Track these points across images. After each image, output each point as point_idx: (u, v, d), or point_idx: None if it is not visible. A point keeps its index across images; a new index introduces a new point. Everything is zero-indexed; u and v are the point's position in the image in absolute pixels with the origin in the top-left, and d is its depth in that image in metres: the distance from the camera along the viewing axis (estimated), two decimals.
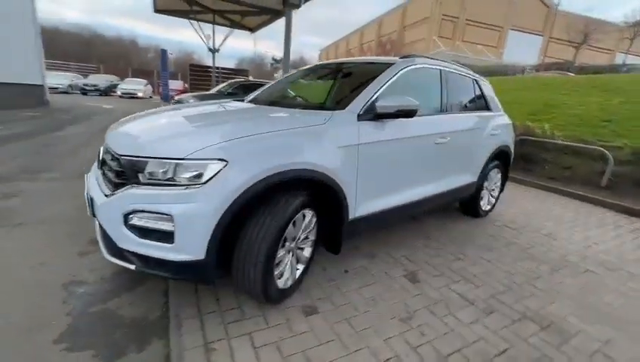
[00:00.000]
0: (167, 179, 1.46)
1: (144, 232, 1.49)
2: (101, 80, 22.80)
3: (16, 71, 12.25)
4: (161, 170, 1.46)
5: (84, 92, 20.75)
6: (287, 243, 1.80)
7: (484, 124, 3.16)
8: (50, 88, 19.40)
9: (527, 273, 2.46)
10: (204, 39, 17.60)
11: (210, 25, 17.69)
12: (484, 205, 3.60)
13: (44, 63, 13.96)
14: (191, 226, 1.44)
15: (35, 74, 13.33)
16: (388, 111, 2.05)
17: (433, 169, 2.65)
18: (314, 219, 1.98)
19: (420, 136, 2.40)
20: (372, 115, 2.05)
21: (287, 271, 1.86)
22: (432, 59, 2.78)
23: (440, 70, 2.75)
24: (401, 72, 2.35)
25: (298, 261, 1.98)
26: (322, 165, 1.77)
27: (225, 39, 17.89)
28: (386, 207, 2.30)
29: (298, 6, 8.49)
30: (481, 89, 3.29)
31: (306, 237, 2.00)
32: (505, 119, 3.59)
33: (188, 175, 1.45)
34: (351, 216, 2.07)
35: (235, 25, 18.63)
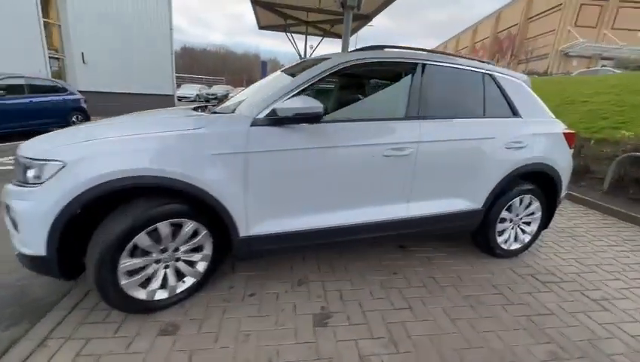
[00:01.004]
0: (25, 177, 1.57)
1: (13, 225, 1.64)
2: (219, 90, 27.40)
3: (156, 85, 15.85)
4: (21, 169, 1.58)
5: (207, 99, 25.28)
6: (153, 253, 1.70)
7: (496, 132, 2.33)
8: (182, 97, 24.24)
9: None
10: (297, 49, 18.86)
11: (309, 36, 18.82)
12: (507, 242, 2.66)
13: (174, 78, 17.57)
14: (28, 223, 1.51)
15: (168, 86, 16.89)
16: (287, 115, 1.72)
17: (383, 187, 2.09)
18: (203, 232, 1.82)
19: (353, 145, 1.93)
20: (274, 119, 1.76)
21: (156, 282, 1.76)
22: (413, 50, 2.22)
23: (416, 64, 2.16)
24: (332, 69, 1.95)
25: (181, 273, 1.86)
26: (186, 173, 1.61)
27: (315, 48, 18.79)
28: (303, 227, 1.94)
29: (354, 8, 8.21)
30: (500, 87, 2.43)
31: (196, 250, 1.86)
32: (547, 127, 2.57)
33: (32, 174, 1.53)
34: (242, 234, 1.83)
35: (327, 34, 19.40)
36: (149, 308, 1.77)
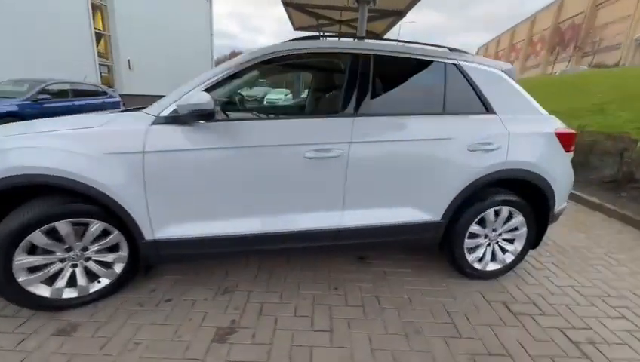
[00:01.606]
0: None
1: None
2: (259, 91, 28.29)
3: None
4: None
5: (245, 100, 26.39)
6: (56, 252, 1.70)
7: (455, 132, 1.97)
8: None
9: None
10: None
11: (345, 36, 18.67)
12: (482, 261, 2.26)
13: None
14: None
15: None
16: (184, 113, 1.60)
17: (309, 193, 1.86)
18: (114, 233, 1.78)
19: (266, 146, 1.75)
20: (174, 117, 1.66)
21: (62, 280, 1.75)
22: (356, 40, 1.97)
23: (354, 55, 1.90)
24: (247, 63, 1.78)
25: (93, 273, 1.83)
26: (81, 173, 1.57)
27: None
28: (215, 233, 1.80)
29: (369, 2, 7.83)
30: (468, 79, 2.05)
31: (111, 250, 1.83)
32: (531, 126, 2.12)
33: None
34: (148, 237, 1.75)
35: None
36: (55, 306, 1.77)
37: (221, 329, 1.72)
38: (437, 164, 1.96)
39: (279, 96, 14.34)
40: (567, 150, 2.20)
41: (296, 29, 20.80)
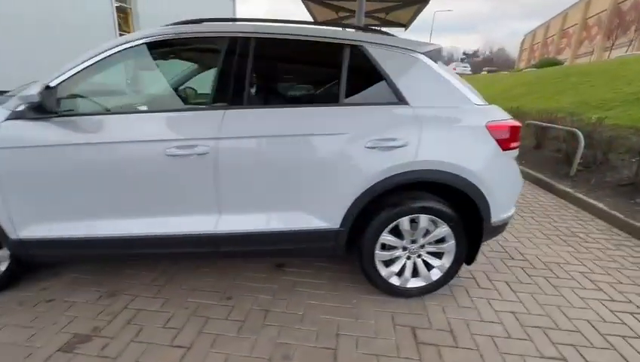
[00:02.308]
0: None
1: None
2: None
3: None
4: None
5: None
6: None
7: (351, 126, 1.68)
8: None
9: None
10: None
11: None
12: (401, 277, 1.94)
13: None
14: None
15: None
16: (21, 107, 1.51)
17: (176, 195, 1.68)
18: None
19: (121, 142, 1.60)
20: (23, 111, 1.57)
21: None
22: (240, 22, 1.75)
23: (232, 39, 1.68)
24: (113, 51, 1.63)
25: None
26: None
27: None
28: (80, 235, 1.70)
29: None
30: (374, 63, 1.73)
31: None
32: (454, 118, 1.74)
33: None
34: (11, 236, 1.70)
35: (384, 23, 18.27)
36: None
37: (76, 337, 1.63)
38: (328, 163, 1.68)
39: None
40: (504, 147, 1.79)
41: (318, 23, 20.57)
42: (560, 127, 4.92)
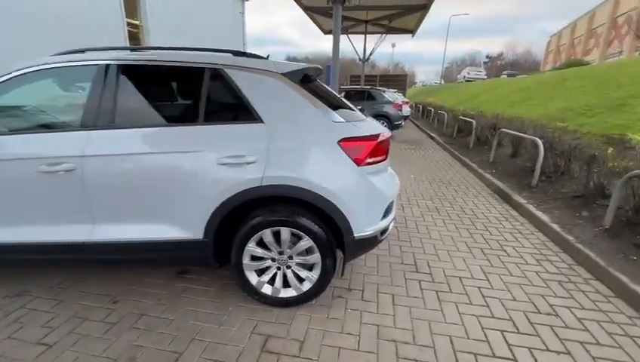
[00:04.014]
0: None
1: None
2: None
3: None
4: None
5: None
6: None
7: (206, 144, 1.80)
8: None
9: None
10: (356, 50, 18.26)
11: (377, 35, 18.07)
12: (272, 287, 2.02)
13: None
14: None
15: None
16: None
17: (53, 207, 1.87)
18: None
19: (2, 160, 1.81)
20: None
21: None
22: (113, 50, 1.93)
23: (100, 66, 1.86)
24: (13, 76, 1.87)
25: None
26: None
27: (375, 48, 17.82)
28: None
29: (344, 2, 7.48)
30: (233, 86, 1.84)
31: None
32: (305, 135, 1.82)
33: None
34: None
35: (391, 30, 18.20)
36: None
37: None
38: (184, 178, 1.81)
39: None
40: (359, 163, 1.84)
41: (325, 32, 20.77)
42: (523, 135, 4.77)
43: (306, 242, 1.91)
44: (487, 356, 1.72)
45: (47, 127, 1.98)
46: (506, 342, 1.82)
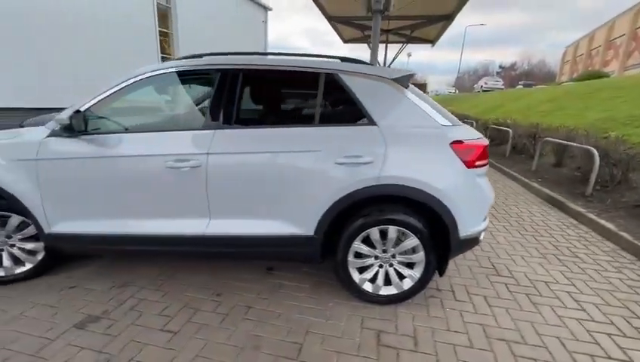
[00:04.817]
0: None
1: None
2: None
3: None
4: None
5: None
6: None
7: (324, 144, 1.89)
8: None
9: None
10: (377, 59, 18.39)
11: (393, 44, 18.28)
12: (374, 284, 2.08)
13: None
14: None
15: None
16: (56, 127, 1.90)
17: (175, 201, 1.98)
18: (29, 226, 2.16)
19: (130, 156, 1.93)
20: (59, 130, 1.97)
21: (6, 261, 2.18)
22: (231, 56, 2.06)
23: (224, 70, 1.99)
24: (130, 81, 2.00)
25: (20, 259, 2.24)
26: None
27: (395, 57, 17.92)
28: (98, 232, 2.05)
29: (383, 12, 7.62)
30: (347, 89, 1.94)
31: (32, 240, 2.22)
32: (418, 137, 1.90)
33: None
34: (46, 230, 2.08)
35: (410, 39, 18.38)
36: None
37: (89, 317, 1.94)
38: (302, 177, 1.91)
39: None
40: (469, 165, 1.91)
41: (345, 41, 21.03)
42: (575, 144, 4.76)
43: (412, 241, 1.97)
44: (603, 357, 1.74)
45: (176, 126, 2.11)
46: (616, 344, 1.83)
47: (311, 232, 1.98)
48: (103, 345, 1.72)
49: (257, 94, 2.01)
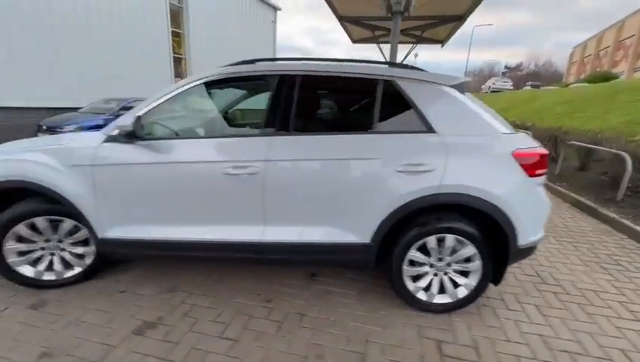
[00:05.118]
0: None
1: None
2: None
3: (262, 102, 18.53)
4: None
5: None
6: (37, 241, 2.14)
7: (383, 152, 1.87)
8: None
9: None
10: (386, 60, 18.39)
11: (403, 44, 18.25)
12: (427, 292, 2.06)
13: None
14: None
15: None
16: (115, 133, 1.90)
17: (230, 207, 1.97)
18: (82, 230, 2.17)
19: (187, 162, 1.92)
20: (116, 136, 1.97)
21: (42, 265, 2.19)
22: (286, 61, 2.05)
23: (280, 76, 1.98)
24: (182, 88, 2.00)
25: (69, 262, 2.24)
26: (44, 179, 1.97)
27: (406, 57, 17.88)
28: (152, 237, 2.05)
29: (402, 13, 7.54)
30: (405, 96, 1.93)
31: (83, 244, 2.22)
32: (481, 146, 1.88)
33: None
34: (100, 235, 2.08)
35: (420, 40, 18.33)
36: (38, 284, 2.21)
37: (145, 323, 1.94)
38: (361, 184, 1.89)
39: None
40: (531, 174, 1.88)
41: (354, 41, 20.98)
42: (605, 149, 4.71)
43: (469, 249, 1.95)
44: None
45: (231, 132, 2.10)
46: None
47: (367, 240, 1.96)
48: (166, 353, 1.72)
49: (314, 101, 2.00)
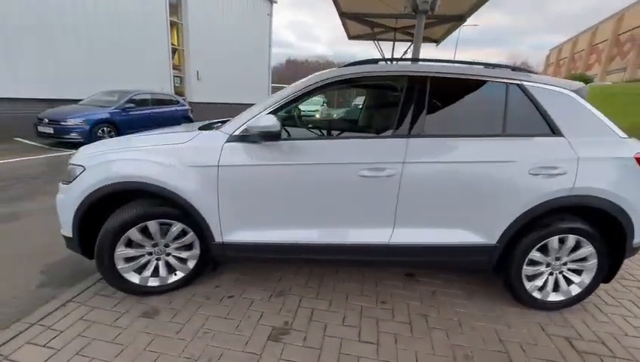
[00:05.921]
0: (67, 177, 2.06)
1: None
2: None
3: (255, 96, 17.99)
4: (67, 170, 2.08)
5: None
6: (145, 246, 2.02)
7: (518, 155, 1.91)
8: None
9: None
10: (384, 57, 18.58)
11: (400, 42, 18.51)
12: (542, 291, 2.13)
13: (270, 89, 19.78)
14: (60, 211, 1.99)
15: (265, 94, 19.04)
16: (253, 133, 1.82)
17: (362, 209, 1.95)
18: (190, 233, 2.06)
19: (322, 164, 1.88)
20: (245, 136, 1.89)
21: (148, 270, 2.08)
22: (413, 62, 2.03)
23: (410, 77, 1.96)
24: (309, 87, 1.94)
25: (173, 267, 2.14)
26: (162, 180, 1.86)
27: (404, 54, 18.12)
28: (275, 241, 1.99)
29: (427, 12, 7.62)
30: (532, 100, 1.97)
31: (187, 248, 2.12)
32: (606, 150, 1.95)
33: (68, 175, 2.00)
34: (217, 239, 2.00)
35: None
36: (143, 291, 2.10)
37: (275, 329, 1.89)
38: (494, 186, 1.92)
39: (316, 107, 14.13)
40: None
41: (350, 37, 20.87)
42: None
43: (588, 249, 2.02)
44: None
45: (362, 133, 2.06)
46: None
47: (493, 241, 2.00)
48: (315, 359, 1.68)
49: (445, 102, 1.99)
